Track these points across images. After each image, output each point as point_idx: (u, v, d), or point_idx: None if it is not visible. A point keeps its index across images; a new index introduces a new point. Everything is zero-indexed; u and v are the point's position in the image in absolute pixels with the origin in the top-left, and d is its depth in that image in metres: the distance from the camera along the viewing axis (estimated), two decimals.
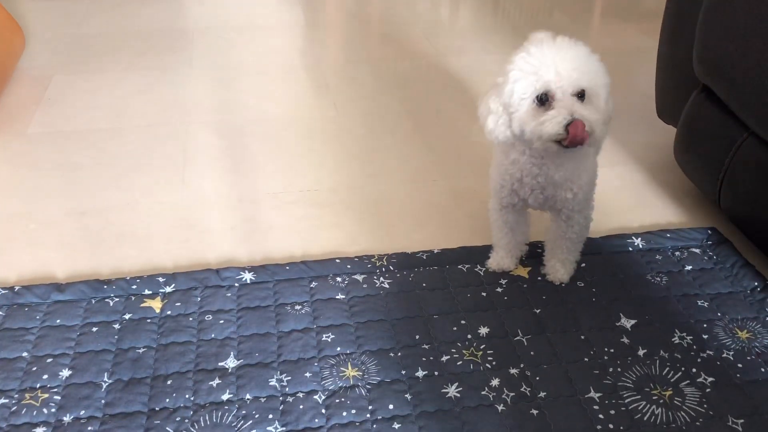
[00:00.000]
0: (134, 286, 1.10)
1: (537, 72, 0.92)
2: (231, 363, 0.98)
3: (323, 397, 0.93)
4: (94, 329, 1.03)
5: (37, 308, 1.06)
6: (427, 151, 1.54)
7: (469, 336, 1.03)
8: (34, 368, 0.97)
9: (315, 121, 1.65)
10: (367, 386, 0.95)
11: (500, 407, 0.92)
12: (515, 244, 1.15)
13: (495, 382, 0.96)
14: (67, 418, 0.90)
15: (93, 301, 1.08)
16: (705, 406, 0.92)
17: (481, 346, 1.01)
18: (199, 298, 1.09)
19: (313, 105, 1.73)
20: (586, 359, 0.99)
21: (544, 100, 0.93)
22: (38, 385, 0.94)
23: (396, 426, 0.90)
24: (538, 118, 0.93)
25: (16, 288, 1.10)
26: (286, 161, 1.49)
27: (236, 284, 1.12)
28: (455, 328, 1.04)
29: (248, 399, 0.93)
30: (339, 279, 1.13)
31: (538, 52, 0.93)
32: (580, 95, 0.93)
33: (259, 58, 1.97)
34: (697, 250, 1.20)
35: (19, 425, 0.89)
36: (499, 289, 1.12)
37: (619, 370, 0.97)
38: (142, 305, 1.08)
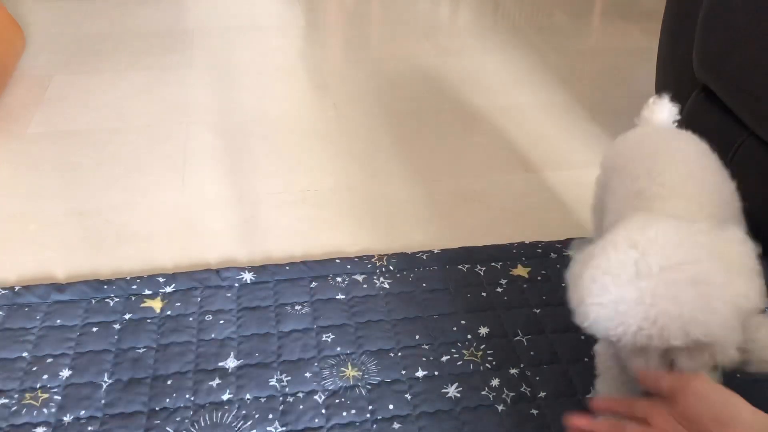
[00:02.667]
0: (134, 286, 1.10)
1: (617, 316, 0.62)
2: (231, 363, 0.98)
3: (323, 397, 0.93)
4: (94, 329, 1.03)
5: (37, 308, 1.06)
6: (427, 151, 1.54)
7: (469, 336, 1.03)
8: (34, 368, 0.97)
9: (315, 121, 1.65)
10: (367, 386, 0.95)
11: (500, 407, 0.92)
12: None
13: (495, 382, 0.96)
14: (67, 418, 0.90)
15: (93, 301, 1.08)
16: None
17: (481, 346, 1.01)
18: (199, 299, 1.09)
19: (313, 105, 1.73)
20: (586, 359, 0.99)
21: None
22: (38, 385, 0.94)
23: (396, 426, 0.90)
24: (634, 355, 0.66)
25: (16, 288, 1.10)
26: (286, 161, 1.49)
27: (236, 284, 1.12)
28: (455, 328, 1.04)
29: (248, 399, 0.93)
30: (339, 279, 1.13)
31: (614, 284, 0.61)
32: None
33: (259, 58, 1.97)
34: None
35: (19, 425, 0.89)
36: (499, 289, 1.12)
37: None
38: (142, 305, 1.08)
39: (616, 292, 0.61)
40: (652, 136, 0.94)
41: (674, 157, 0.86)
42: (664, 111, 0.97)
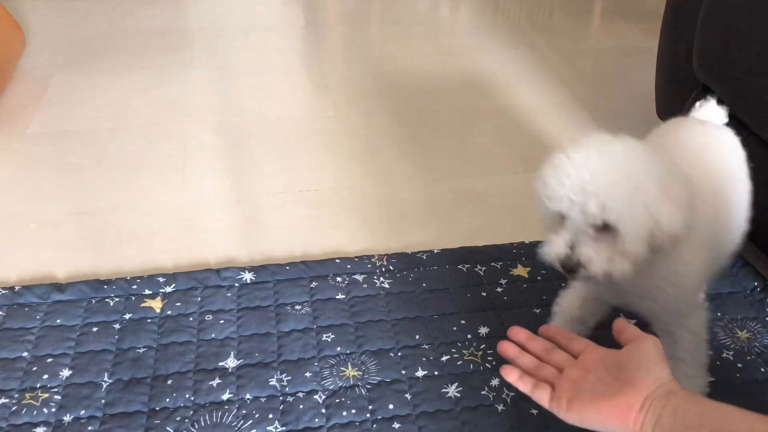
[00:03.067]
0: (134, 286, 1.10)
1: (555, 188, 0.76)
2: (231, 363, 0.98)
3: (323, 397, 0.93)
4: (94, 329, 1.03)
5: (37, 308, 1.06)
6: (428, 151, 1.54)
7: (469, 336, 1.03)
8: (35, 368, 0.97)
9: (315, 121, 1.65)
10: (367, 386, 0.95)
11: (500, 407, 0.92)
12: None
13: (495, 382, 0.96)
14: (67, 418, 0.90)
15: (93, 301, 1.08)
16: None
17: (481, 346, 1.01)
18: (199, 298, 1.09)
19: (313, 105, 1.73)
20: None
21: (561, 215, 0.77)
22: (38, 385, 0.94)
23: (396, 426, 0.90)
24: (552, 228, 0.79)
25: (17, 288, 1.10)
26: (286, 161, 1.49)
27: (236, 284, 1.12)
28: (455, 328, 1.04)
29: (248, 399, 0.93)
30: (339, 279, 1.13)
31: (565, 162, 0.76)
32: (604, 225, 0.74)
33: (259, 58, 1.97)
34: None
35: (19, 425, 0.89)
36: (499, 289, 1.12)
37: None
38: (142, 305, 1.08)
39: (568, 168, 0.75)
40: (670, 128, 1.00)
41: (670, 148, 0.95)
42: (711, 111, 1.01)
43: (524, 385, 0.72)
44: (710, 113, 1.00)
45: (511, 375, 0.74)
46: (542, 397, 0.71)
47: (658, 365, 0.66)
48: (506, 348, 0.77)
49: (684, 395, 0.63)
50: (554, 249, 0.78)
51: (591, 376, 0.69)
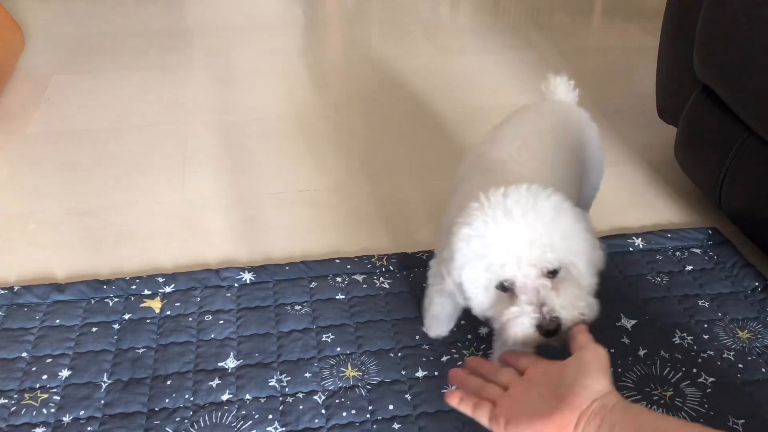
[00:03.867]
0: (134, 286, 1.10)
1: (486, 255, 0.71)
2: (231, 363, 0.98)
3: (323, 398, 0.93)
4: (94, 329, 1.03)
5: (36, 308, 1.06)
6: (427, 151, 1.53)
7: (469, 336, 1.03)
8: (34, 368, 0.97)
9: (315, 121, 1.65)
10: (367, 386, 0.95)
11: None
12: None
13: None
14: (66, 419, 0.90)
15: (93, 301, 1.08)
16: (706, 406, 0.92)
17: (481, 346, 1.01)
18: (198, 299, 1.09)
19: (313, 105, 1.73)
20: None
21: (505, 287, 0.73)
22: (38, 385, 0.94)
23: (396, 426, 0.90)
24: (502, 307, 0.74)
25: (16, 288, 1.09)
26: (286, 161, 1.49)
27: (236, 284, 1.11)
28: (455, 328, 1.04)
29: (248, 399, 0.93)
30: (339, 279, 1.13)
31: (484, 223, 0.71)
32: (551, 272, 0.72)
33: (259, 57, 1.97)
34: (698, 251, 1.20)
35: (18, 425, 0.89)
36: None
37: (619, 370, 0.97)
38: (141, 305, 1.07)
39: (486, 232, 0.71)
40: (527, 108, 1.04)
41: (522, 126, 0.97)
42: (561, 87, 1.08)
43: (465, 407, 0.71)
44: (561, 88, 1.08)
45: (452, 399, 0.73)
46: (482, 416, 0.69)
47: (595, 377, 0.64)
48: (453, 374, 0.77)
49: (621, 408, 0.61)
50: (525, 321, 0.72)
51: (533, 392, 0.67)
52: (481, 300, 0.75)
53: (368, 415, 0.91)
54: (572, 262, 0.73)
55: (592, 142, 1.04)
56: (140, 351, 1.00)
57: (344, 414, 0.91)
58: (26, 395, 0.93)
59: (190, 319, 1.05)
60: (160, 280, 1.12)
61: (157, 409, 0.91)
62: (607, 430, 0.60)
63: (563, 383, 0.65)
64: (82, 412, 0.91)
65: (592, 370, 0.65)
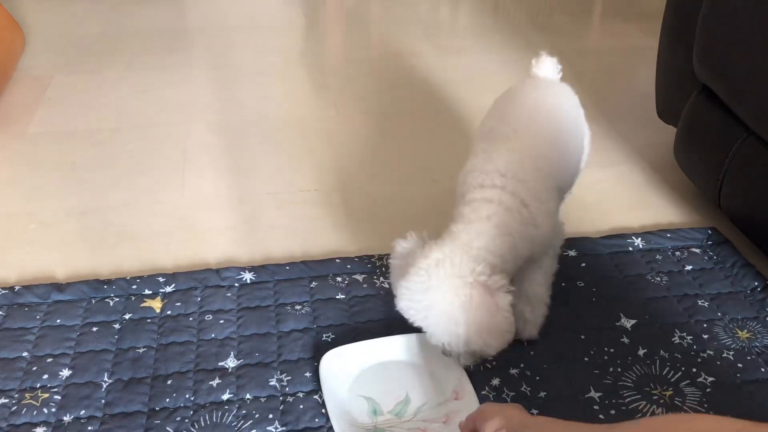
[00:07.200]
0: (134, 286, 1.10)
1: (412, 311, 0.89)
2: (231, 363, 0.98)
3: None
4: (94, 329, 1.03)
5: (37, 308, 1.06)
6: (428, 151, 1.53)
7: None
8: (34, 368, 0.97)
9: (315, 121, 1.65)
10: None
11: None
12: None
13: (495, 381, 0.96)
14: (67, 418, 0.90)
15: (93, 301, 1.08)
16: (705, 405, 0.92)
17: None
18: (199, 298, 1.09)
19: (313, 105, 1.73)
20: (586, 359, 0.99)
21: None
22: (38, 385, 0.94)
23: None
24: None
25: (16, 288, 1.10)
26: (286, 161, 1.49)
27: (236, 284, 1.12)
28: None
29: (248, 399, 0.93)
30: (339, 279, 1.13)
31: (413, 292, 0.88)
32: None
33: (259, 58, 1.97)
34: (698, 250, 1.20)
35: (19, 425, 0.89)
36: None
37: (619, 369, 0.97)
38: (142, 305, 1.08)
39: (409, 299, 0.88)
40: (523, 86, 1.12)
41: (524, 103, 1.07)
42: (548, 66, 1.15)
43: None
44: (547, 67, 1.14)
45: None
46: None
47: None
48: None
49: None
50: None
51: None
52: None
53: None
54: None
55: (580, 112, 1.13)
56: (141, 351, 1.00)
57: None
58: (27, 395, 0.93)
59: (191, 318, 1.05)
60: (161, 279, 1.12)
61: (157, 408, 0.92)
62: None
63: None
64: (82, 412, 0.91)
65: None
